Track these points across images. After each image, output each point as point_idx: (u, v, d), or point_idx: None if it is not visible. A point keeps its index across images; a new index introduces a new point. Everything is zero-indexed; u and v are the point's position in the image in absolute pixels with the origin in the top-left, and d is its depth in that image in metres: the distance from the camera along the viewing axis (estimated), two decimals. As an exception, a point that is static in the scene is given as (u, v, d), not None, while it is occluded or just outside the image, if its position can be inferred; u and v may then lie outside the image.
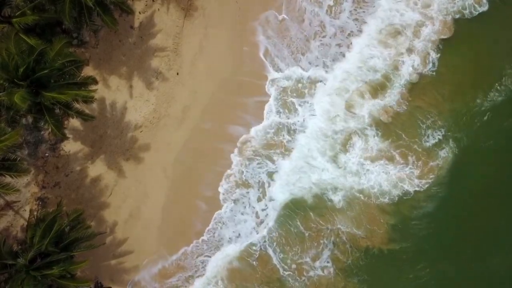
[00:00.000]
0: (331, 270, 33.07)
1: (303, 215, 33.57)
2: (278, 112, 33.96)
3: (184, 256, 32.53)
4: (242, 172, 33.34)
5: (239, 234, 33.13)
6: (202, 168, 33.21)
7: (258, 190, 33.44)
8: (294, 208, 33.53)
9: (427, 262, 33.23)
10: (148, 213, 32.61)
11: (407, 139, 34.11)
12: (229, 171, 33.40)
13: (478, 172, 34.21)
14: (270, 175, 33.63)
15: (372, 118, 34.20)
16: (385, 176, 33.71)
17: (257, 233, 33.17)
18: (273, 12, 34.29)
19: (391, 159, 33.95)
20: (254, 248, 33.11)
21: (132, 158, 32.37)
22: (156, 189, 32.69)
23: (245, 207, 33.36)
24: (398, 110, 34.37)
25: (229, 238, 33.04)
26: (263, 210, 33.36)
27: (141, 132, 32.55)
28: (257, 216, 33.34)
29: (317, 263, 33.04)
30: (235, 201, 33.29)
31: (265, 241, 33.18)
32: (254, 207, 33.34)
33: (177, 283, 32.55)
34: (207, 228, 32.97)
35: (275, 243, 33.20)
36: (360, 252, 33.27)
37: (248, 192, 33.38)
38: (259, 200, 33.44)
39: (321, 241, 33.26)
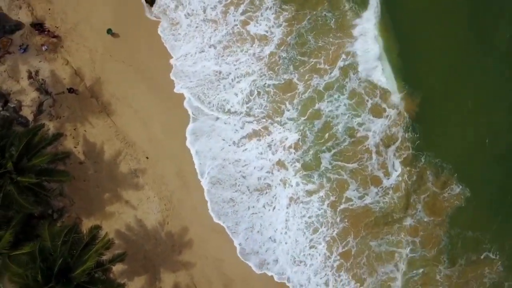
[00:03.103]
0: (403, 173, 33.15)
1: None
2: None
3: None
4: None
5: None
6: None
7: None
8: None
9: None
10: (235, 271, 32.69)
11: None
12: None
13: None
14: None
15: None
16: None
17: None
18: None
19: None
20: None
21: (183, 248, 32.29)
22: (222, 250, 32.75)
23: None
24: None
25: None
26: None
27: (168, 224, 32.42)
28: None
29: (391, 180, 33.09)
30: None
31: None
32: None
33: None
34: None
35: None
36: (408, 123, 33.35)
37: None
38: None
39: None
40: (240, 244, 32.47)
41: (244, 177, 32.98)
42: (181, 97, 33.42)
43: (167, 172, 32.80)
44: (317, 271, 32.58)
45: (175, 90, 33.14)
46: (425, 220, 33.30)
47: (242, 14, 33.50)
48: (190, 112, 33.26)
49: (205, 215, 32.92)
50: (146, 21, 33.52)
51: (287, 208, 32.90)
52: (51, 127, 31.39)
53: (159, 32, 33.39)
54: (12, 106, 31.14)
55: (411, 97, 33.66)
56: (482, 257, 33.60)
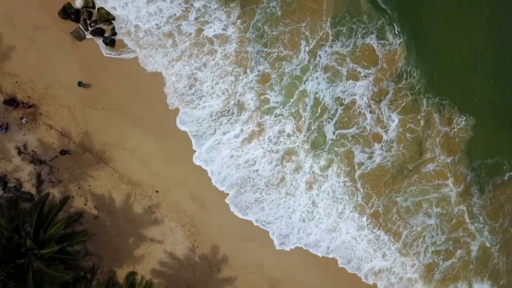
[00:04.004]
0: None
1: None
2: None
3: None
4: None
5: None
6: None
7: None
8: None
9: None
10: (278, 270, 33.02)
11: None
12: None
13: None
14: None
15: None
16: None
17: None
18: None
19: None
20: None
21: (220, 265, 32.44)
22: (259, 255, 33.10)
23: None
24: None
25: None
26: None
27: (198, 247, 32.45)
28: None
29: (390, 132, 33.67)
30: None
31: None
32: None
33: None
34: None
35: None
36: (399, 71, 33.82)
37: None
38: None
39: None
40: (274, 233, 33.24)
41: (259, 175, 33.52)
42: (170, 121, 33.44)
43: (181, 198, 32.81)
44: (355, 233, 33.74)
45: (170, 107, 33.33)
46: (447, 161, 33.92)
47: (195, 20, 33.93)
48: (189, 132, 33.37)
49: (231, 227, 33.04)
50: (109, 61, 33.42)
51: (308, 190, 33.72)
52: (56, 193, 31.32)
53: (139, 60, 33.45)
54: (12, 185, 31.06)
55: (396, 47, 34.13)
56: (506, 178, 34.43)
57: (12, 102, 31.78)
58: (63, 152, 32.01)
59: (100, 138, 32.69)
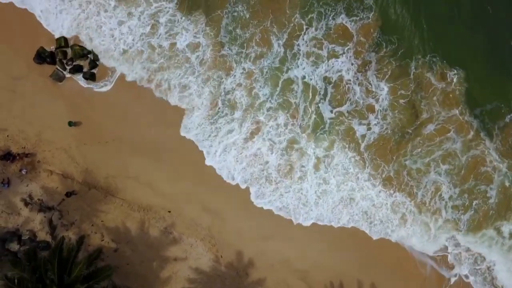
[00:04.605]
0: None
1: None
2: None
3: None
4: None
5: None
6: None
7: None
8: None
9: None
10: (304, 262, 32.98)
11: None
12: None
13: None
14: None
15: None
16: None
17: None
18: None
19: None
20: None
21: (247, 269, 32.39)
22: (282, 251, 32.92)
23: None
24: None
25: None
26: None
27: (222, 257, 32.43)
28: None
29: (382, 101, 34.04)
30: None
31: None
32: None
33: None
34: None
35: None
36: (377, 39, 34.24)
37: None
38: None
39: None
40: (298, 214, 33.58)
41: (270, 166, 34.04)
42: (166, 140, 33.44)
43: (194, 213, 32.81)
44: (372, 200, 33.91)
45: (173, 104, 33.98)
46: (450, 114, 34.07)
47: (166, 33, 34.57)
48: (195, 139, 33.64)
49: (249, 229, 33.04)
50: (94, 95, 33.52)
51: (316, 171, 34.04)
52: (71, 235, 31.36)
53: (126, 78, 33.88)
54: (27, 237, 31.11)
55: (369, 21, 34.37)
56: (507, 120, 34.50)
57: (8, 156, 31.89)
58: (68, 194, 32.04)
59: (102, 172, 32.78)
